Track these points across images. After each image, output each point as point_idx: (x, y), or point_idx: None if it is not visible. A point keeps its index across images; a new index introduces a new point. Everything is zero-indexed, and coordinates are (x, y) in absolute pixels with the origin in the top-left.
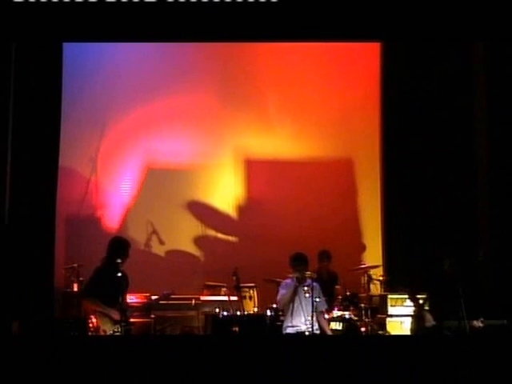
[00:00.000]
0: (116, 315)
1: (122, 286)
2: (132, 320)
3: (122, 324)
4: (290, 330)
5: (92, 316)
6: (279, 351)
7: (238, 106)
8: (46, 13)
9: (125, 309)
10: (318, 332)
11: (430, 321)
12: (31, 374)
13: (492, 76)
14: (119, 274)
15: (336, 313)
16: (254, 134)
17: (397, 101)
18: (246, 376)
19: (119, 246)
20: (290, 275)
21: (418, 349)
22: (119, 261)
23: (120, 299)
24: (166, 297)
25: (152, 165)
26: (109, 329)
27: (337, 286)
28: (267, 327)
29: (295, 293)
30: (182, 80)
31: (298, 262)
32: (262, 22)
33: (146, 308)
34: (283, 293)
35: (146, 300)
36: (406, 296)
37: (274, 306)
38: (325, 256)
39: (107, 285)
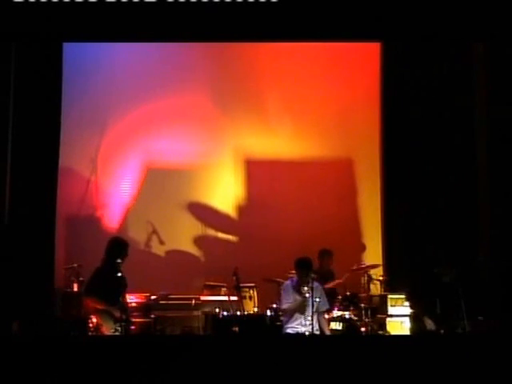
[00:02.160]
0: (117, 313)
1: (122, 286)
2: (132, 319)
3: (123, 324)
4: (289, 331)
5: (92, 316)
6: (279, 351)
7: (238, 106)
8: (46, 13)
9: (125, 308)
10: (317, 333)
11: (429, 324)
12: (31, 374)
13: (492, 76)
14: (119, 274)
15: (336, 313)
16: (254, 134)
17: (397, 101)
18: (246, 376)
19: (118, 246)
20: (291, 276)
21: (417, 349)
22: (119, 261)
23: (120, 299)
24: (164, 297)
25: (152, 165)
26: (110, 327)
27: (329, 285)
28: (267, 327)
29: (302, 305)
30: (182, 80)
31: (304, 268)
32: (262, 21)
33: (145, 308)
34: (289, 301)
35: (145, 300)
36: (404, 297)
37: (274, 305)
38: (327, 254)
39: (107, 285)
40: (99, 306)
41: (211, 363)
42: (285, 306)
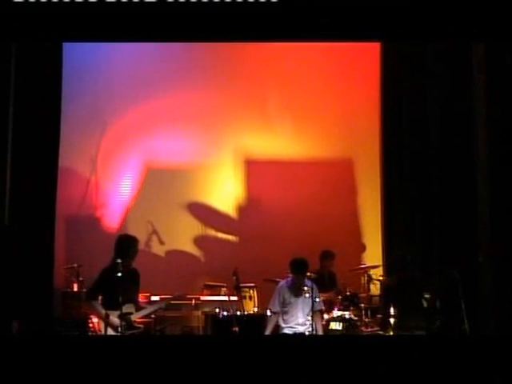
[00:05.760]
0: (114, 322)
1: (123, 288)
2: (135, 325)
3: (123, 331)
4: (287, 331)
5: (92, 316)
6: (279, 351)
7: (239, 105)
8: (46, 13)
9: (128, 313)
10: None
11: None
12: (31, 374)
13: (492, 77)
14: (119, 275)
15: (336, 313)
16: (255, 134)
17: (397, 101)
18: (245, 376)
19: (121, 244)
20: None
21: (417, 349)
22: (119, 261)
23: (120, 300)
24: (180, 298)
25: (152, 165)
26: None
27: (331, 293)
28: (267, 327)
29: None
30: (182, 80)
31: (300, 270)
32: (262, 21)
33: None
34: (277, 303)
35: (146, 300)
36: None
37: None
38: (329, 256)
39: (109, 286)
40: (95, 315)
41: (211, 363)
42: (271, 307)
